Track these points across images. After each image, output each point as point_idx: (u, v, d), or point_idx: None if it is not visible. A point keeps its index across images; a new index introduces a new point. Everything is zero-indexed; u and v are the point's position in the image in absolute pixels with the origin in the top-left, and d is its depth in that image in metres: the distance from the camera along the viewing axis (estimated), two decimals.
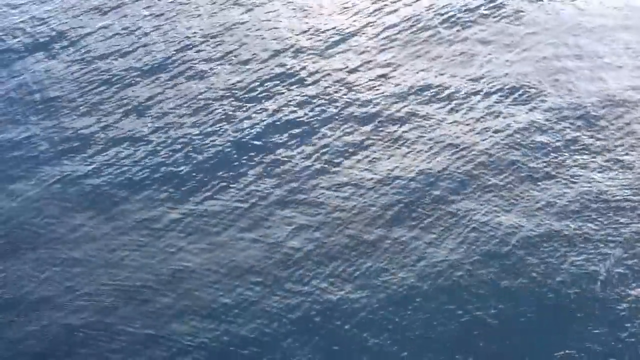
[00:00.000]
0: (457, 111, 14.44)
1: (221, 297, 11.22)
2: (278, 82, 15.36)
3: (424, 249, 11.78)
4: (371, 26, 16.93)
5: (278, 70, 15.67)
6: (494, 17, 17.01)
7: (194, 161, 13.54)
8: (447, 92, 14.90)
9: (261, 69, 15.70)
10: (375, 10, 17.41)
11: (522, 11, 17.16)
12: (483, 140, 13.78)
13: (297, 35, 16.64)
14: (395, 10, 17.40)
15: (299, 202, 12.67)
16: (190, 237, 12.16)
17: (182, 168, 13.43)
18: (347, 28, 16.88)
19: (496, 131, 13.96)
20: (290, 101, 14.84)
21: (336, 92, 15.04)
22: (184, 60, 16.07)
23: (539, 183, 12.87)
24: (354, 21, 17.12)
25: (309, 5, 17.65)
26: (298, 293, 11.25)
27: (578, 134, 13.81)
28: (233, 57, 16.06)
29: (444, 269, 11.46)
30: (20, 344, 10.75)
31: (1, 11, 17.95)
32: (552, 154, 13.42)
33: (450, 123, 14.18)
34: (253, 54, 16.09)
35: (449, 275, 11.37)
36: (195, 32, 16.89)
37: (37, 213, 12.66)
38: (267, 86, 15.24)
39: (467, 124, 14.14)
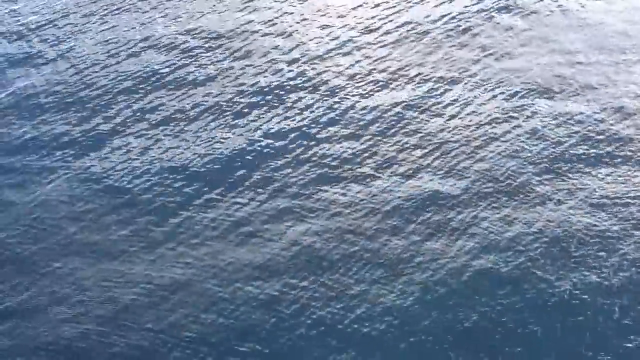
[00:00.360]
0: (467, 113, 14.45)
1: (230, 297, 11.27)
2: (285, 84, 15.39)
3: (433, 251, 11.79)
4: (378, 28, 16.96)
5: (284, 73, 15.72)
6: (505, 18, 17.06)
7: (202, 164, 13.55)
8: (456, 94, 14.92)
9: (268, 72, 15.73)
10: (383, 13, 17.47)
11: (533, 11, 17.23)
12: (492, 142, 13.81)
13: (301, 39, 16.67)
14: (403, 13, 17.45)
15: (306, 205, 12.68)
16: (198, 239, 12.19)
17: (190, 170, 13.46)
18: (356, 29, 16.95)
19: (505, 133, 13.98)
20: (296, 105, 14.87)
21: (345, 95, 15.07)
22: (189, 63, 16.12)
23: (550, 183, 12.88)
24: (365, 22, 17.19)
25: (313, 8, 17.70)
26: (306, 291, 11.31)
27: (590, 133, 13.82)
28: (237, 61, 16.07)
29: (452, 271, 11.48)
30: (30, 343, 10.81)
31: (4, 14, 18.01)
32: (562, 155, 13.42)
33: (459, 125, 14.18)
34: (258, 58, 16.13)
35: (457, 277, 11.37)
36: (199, 35, 16.95)
37: (46, 214, 12.72)
38: (275, 89, 15.28)
39: (476, 126, 14.14)
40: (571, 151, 13.45)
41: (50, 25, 17.53)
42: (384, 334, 10.67)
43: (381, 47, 16.29)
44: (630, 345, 10.43)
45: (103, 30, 17.26)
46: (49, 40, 17.01)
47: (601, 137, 13.73)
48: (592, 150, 13.45)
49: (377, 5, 17.72)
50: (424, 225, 12.18)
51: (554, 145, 13.57)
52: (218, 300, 11.20)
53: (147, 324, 10.95)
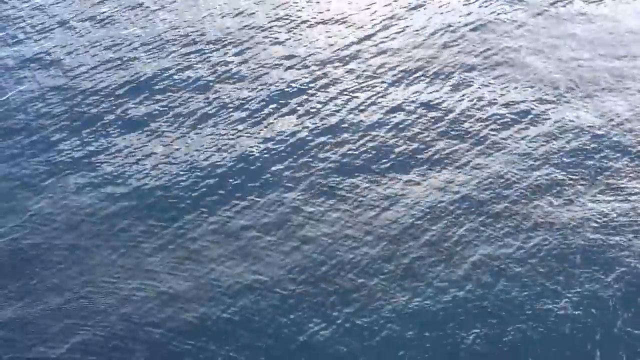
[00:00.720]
0: (474, 115, 14.40)
1: (242, 298, 11.28)
2: (291, 87, 15.34)
3: (437, 256, 11.79)
4: (385, 29, 16.94)
5: (289, 76, 15.65)
6: (515, 17, 17.04)
7: (211, 166, 13.52)
8: (464, 95, 14.88)
9: (272, 75, 15.65)
10: (390, 14, 17.44)
11: (542, 10, 17.20)
12: (500, 145, 13.76)
13: (309, 40, 16.62)
14: (411, 13, 17.42)
15: (316, 206, 12.66)
16: (208, 239, 12.19)
17: (199, 171, 13.42)
18: (362, 30, 16.91)
19: (514, 136, 13.93)
20: (304, 106, 14.84)
21: (352, 96, 15.04)
22: (196, 66, 16.06)
23: (558, 187, 12.87)
24: (370, 24, 17.15)
25: (321, 9, 17.68)
26: (316, 291, 11.35)
27: (599, 138, 13.78)
28: (243, 64, 16.00)
29: (454, 279, 11.47)
30: (38, 344, 10.82)
31: (10, 18, 18.02)
32: (571, 158, 13.39)
33: (465, 127, 14.14)
34: (262, 62, 16.05)
35: (461, 286, 11.38)
36: (204, 38, 16.89)
37: (54, 215, 12.71)
38: (282, 92, 15.20)
39: (484, 128, 14.09)
40: (580, 156, 13.43)
41: (59, 26, 17.53)
42: (387, 336, 10.69)
43: (389, 48, 16.25)
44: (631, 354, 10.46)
45: (112, 32, 17.22)
46: (59, 41, 16.98)
47: (611, 141, 13.70)
48: (601, 155, 13.43)
49: (385, 5, 17.69)
50: (429, 230, 12.16)
51: (562, 149, 13.55)
52: (229, 301, 11.21)
53: (157, 323, 10.97)
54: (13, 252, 12.11)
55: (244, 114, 14.64)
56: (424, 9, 17.57)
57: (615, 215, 12.29)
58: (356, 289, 11.31)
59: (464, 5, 17.66)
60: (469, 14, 17.27)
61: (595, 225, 12.13)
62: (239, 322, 10.95)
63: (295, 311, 11.06)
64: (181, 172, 13.41)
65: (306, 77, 15.52)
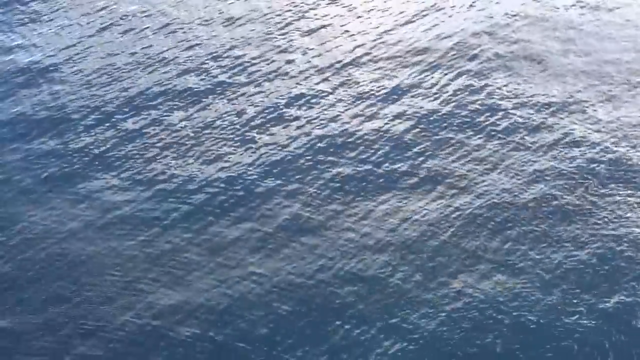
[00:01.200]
0: (489, 122, 14.35)
1: (260, 307, 11.25)
2: (297, 97, 15.30)
3: (442, 271, 11.70)
4: (395, 34, 16.96)
5: (294, 85, 15.63)
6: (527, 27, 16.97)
7: (218, 180, 13.45)
8: (478, 103, 14.82)
9: (289, 87, 15.60)
10: (401, 17, 17.49)
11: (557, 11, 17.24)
12: (516, 154, 13.69)
13: (312, 54, 16.52)
14: (424, 17, 17.48)
15: (330, 216, 12.62)
16: (226, 249, 12.15)
17: (206, 185, 13.35)
18: (369, 37, 16.90)
19: (533, 143, 13.83)
20: (316, 115, 14.81)
21: (361, 104, 15.01)
22: (204, 79, 16.00)
23: (574, 197, 12.76)
24: (378, 30, 17.14)
25: (322, 23, 17.63)
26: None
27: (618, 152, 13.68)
28: (251, 76, 15.97)
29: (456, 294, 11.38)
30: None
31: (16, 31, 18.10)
32: (590, 167, 13.32)
33: (477, 138, 14.07)
34: (259, 77, 15.96)
35: (467, 299, 11.29)
36: (210, 49, 16.86)
37: (68, 231, 12.66)
38: (298, 104, 15.17)
39: (498, 136, 14.03)
40: (596, 156, 13.42)
41: (68, 31, 17.62)
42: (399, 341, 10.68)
43: (393, 51, 16.30)
44: None
45: (111, 39, 17.32)
46: (67, 55, 16.94)
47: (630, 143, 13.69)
48: (617, 155, 13.44)
49: (391, 6, 17.82)
50: (437, 238, 12.13)
51: (575, 151, 13.55)
52: (247, 311, 11.19)
53: (161, 332, 10.95)
54: (12, 261, 12.12)
55: (254, 119, 14.67)
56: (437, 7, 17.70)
57: (631, 220, 12.24)
58: (362, 297, 11.28)
59: (471, 5, 17.71)
60: (475, 16, 17.32)
61: (607, 232, 12.07)
62: (245, 328, 10.93)
63: (299, 318, 11.05)
64: (188, 179, 13.40)
65: (310, 86, 15.48)
